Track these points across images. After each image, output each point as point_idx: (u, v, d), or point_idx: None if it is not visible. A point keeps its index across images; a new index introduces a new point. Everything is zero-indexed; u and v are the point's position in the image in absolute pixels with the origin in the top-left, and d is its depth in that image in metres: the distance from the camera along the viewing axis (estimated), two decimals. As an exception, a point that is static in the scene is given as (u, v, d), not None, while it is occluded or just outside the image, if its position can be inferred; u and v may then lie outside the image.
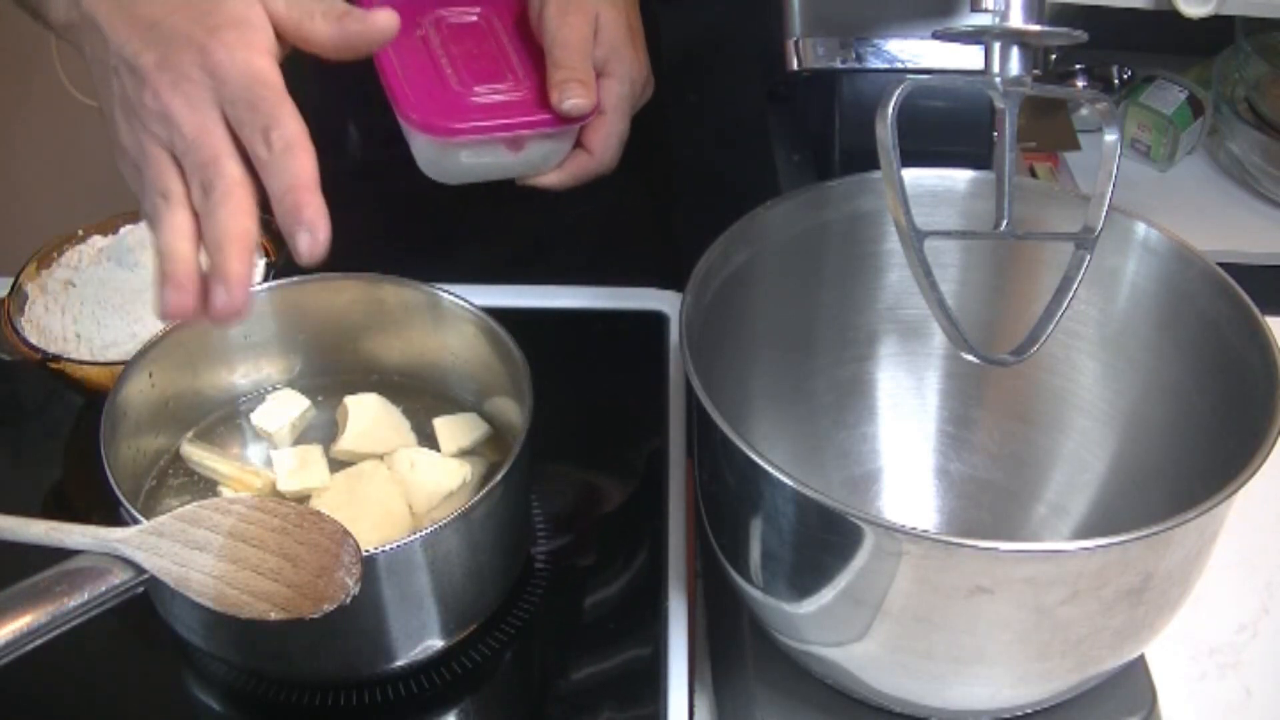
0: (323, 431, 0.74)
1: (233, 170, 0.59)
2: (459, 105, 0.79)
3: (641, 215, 1.08)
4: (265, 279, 0.78)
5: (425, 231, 1.00)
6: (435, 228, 1.00)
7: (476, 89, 0.80)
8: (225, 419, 0.75)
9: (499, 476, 0.62)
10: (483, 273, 0.87)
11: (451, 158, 0.81)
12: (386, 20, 0.65)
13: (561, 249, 1.04)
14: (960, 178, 0.70)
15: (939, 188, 0.70)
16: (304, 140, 0.60)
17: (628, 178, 1.05)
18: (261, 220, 0.82)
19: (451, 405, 0.75)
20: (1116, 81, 1.62)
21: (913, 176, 0.64)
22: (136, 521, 0.57)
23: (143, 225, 0.78)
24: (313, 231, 0.59)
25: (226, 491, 0.70)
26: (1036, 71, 0.60)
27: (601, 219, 1.05)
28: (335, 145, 0.95)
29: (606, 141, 0.83)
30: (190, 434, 0.73)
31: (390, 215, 0.98)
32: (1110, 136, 0.60)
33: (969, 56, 0.69)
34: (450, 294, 0.72)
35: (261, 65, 0.61)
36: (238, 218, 0.59)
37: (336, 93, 0.91)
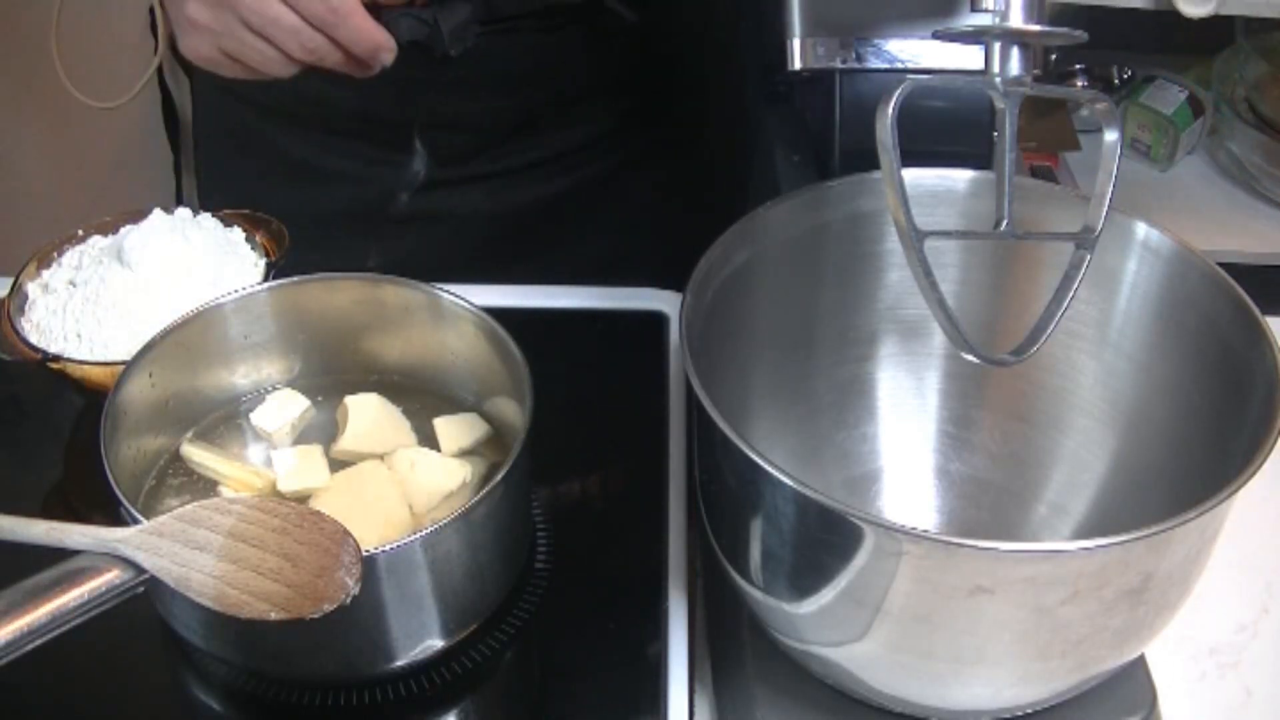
0: (323, 431, 0.74)
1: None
2: None
3: (642, 215, 1.08)
4: (265, 279, 0.78)
5: (484, 244, 1.01)
6: (495, 240, 1.01)
7: None
8: (225, 419, 0.75)
9: (499, 476, 0.62)
10: (484, 273, 0.87)
11: None
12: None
13: (562, 249, 1.04)
14: (960, 178, 0.70)
15: (939, 188, 0.70)
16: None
17: (628, 178, 1.06)
18: (261, 220, 0.82)
19: (451, 405, 0.75)
20: (1116, 81, 1.62)
21: (913, 176, 0.63)
22: (136, 521, 0.57)
23: (143, 225, 0.78)
24: (389, 45, 0.75)
25: (226, 491, 0.70)
26: (1036, 71, 0.60)
27: (602, 219, 1.05)
28: (402, 162, 0.97)
29: None
30: (190, 434, 0.73)
31: (452, 232, 1.01)
32: (1110, 136, 0.60)
33: (969, 56, 0.69)
34: (450, 294, 0.72)
35: None
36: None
37: None
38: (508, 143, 0.99)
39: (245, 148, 1.03)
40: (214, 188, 0.88)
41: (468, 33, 0.85)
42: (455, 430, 0.73)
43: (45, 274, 0.79)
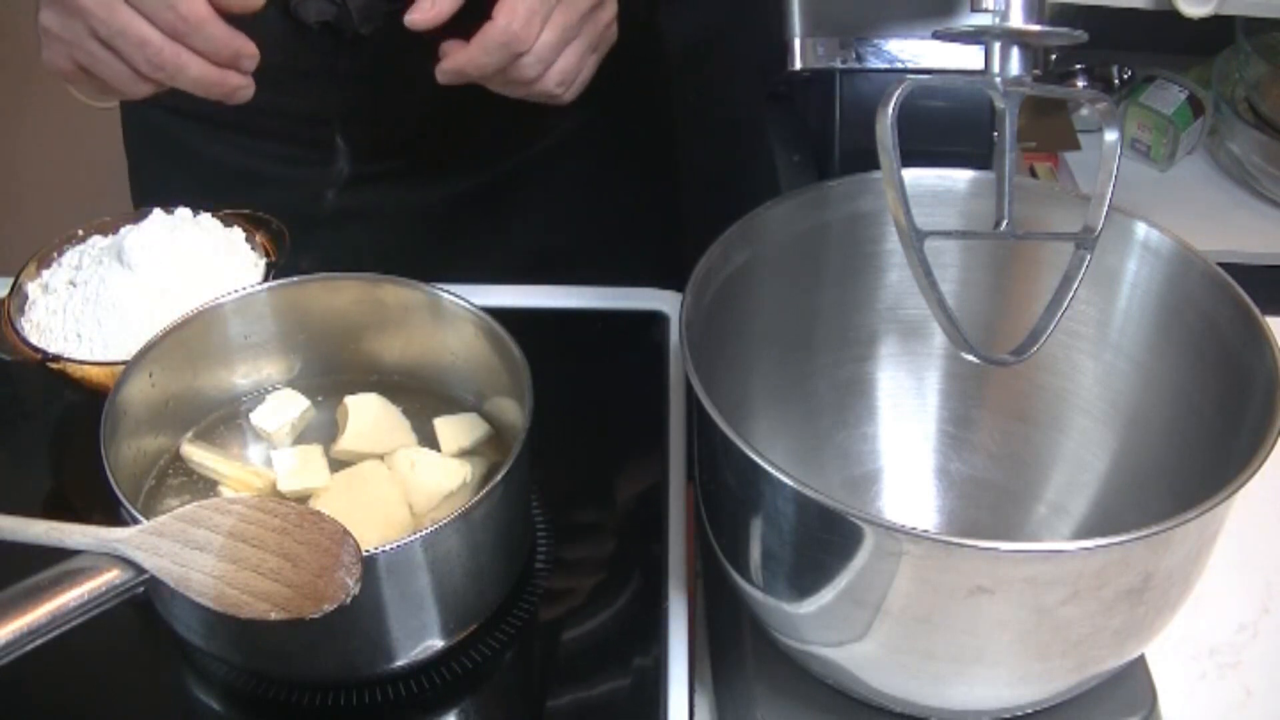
0: (323, 431, 0.74)
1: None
2: None
3: (642, 215, 1.08)
4: (265, 279, 0.78)
5: (423, 238, 1.00)
6: (433, 233, 1.00)
7: None
8: (225, 419, 0.75)
9: (499, 476, 0.62)
10: (484, 273, 0.87)
11: None
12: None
13: (561, 249, 1.04)
14: (960, 178, 0.70)
15: (939, 188, 0.70)
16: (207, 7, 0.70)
17: (628, 178, 1.06)
18: (261, 220, 0.82)
19: (451, 405, 0.75)
20: (1116, 81, 1.62)
21: (913, 176, 0.63)
22: (136, 521, 0.57)
23: (143, 225, 0.78)
24: (249, 51, 0.72)
25: (226, 491, 0.70)
26: (1036, 71, 0.60)
27: (602, 219, 1.05)
28: (325, 159, 0.96)
29: (513, 10, 0.74)
30: (190, 434, 0.73)
31: (384, 227, 0.99)
32: (1110, 136, 0.60)
33: (969, 56, 0.69)
34: (450, 294, 0.72)
35: None
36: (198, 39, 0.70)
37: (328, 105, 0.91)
38: (433, 134, 0.96)
39: (167, 154, 1.00)
40: (143, 197, 0.85)
41: (376, 10, 0.83)
42: (455, 430, 0.73)
43: (45, 274, 0.79)
